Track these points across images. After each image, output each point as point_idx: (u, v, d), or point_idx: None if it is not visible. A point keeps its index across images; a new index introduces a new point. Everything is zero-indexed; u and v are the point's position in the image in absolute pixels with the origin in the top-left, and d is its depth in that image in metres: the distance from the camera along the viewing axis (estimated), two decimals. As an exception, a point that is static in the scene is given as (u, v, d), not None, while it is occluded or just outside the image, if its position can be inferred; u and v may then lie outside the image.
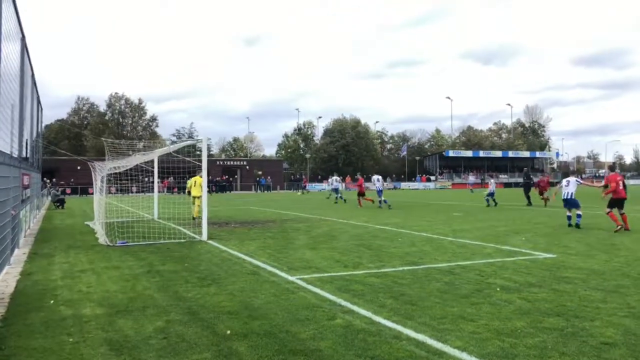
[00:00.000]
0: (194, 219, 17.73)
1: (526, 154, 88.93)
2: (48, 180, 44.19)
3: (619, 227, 13.51)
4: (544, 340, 4.84)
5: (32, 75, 15.65)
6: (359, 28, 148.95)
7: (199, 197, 18.06)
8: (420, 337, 4.97)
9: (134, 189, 32.03)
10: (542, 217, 18.75)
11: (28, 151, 14.22)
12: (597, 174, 67.33)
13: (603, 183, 15.54)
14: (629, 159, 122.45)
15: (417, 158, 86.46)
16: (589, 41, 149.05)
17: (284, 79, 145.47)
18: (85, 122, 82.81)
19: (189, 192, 19.61)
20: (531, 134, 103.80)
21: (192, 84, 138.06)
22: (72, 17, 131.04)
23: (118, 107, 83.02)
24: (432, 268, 8.66)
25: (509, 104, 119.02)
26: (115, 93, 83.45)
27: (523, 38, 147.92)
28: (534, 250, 10.57)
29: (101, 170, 15.91)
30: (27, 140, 13.90)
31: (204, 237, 12.79)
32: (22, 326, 5.53)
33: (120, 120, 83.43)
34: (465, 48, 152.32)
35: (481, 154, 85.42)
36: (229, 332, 5.19)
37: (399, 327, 5.28)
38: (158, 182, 20.95)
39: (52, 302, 6.59)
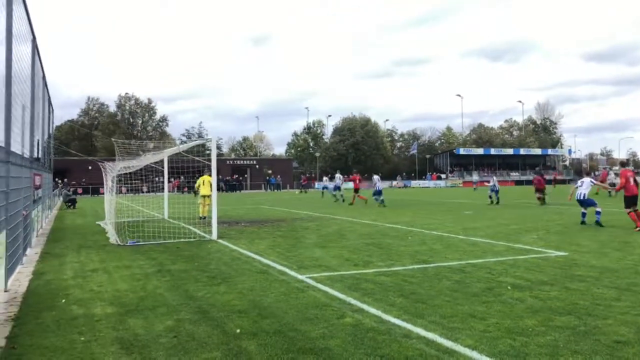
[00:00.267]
0: (201, 218, 17.78)
1: (538, 151, 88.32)
2: (59, 181, 44.61)
3: (639, 228, 13.22)
4: (555, 339, 4.80)
5: (43, 76, 15.78)
6: (367, 27, 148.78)
7: (208, 196, 18.11)
8: (430, 335, 4.94)
9: (145, 188, 32.20)
10: (554, 215, 18.60)
11: (39, 152, 14.34)
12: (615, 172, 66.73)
13: (618, 184, 14.98)
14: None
15: (428, 156, 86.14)
16: (600, 37, 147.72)
17: (293, 79, 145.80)
18: (96, 123, 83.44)
19: (195, 193, 19.64)
20: (543, 131, 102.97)
21: (201, 84, 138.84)
22: (83, 16, 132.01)
23: (128, 108, 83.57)
24: (443, 266, 8.62)
25: (520, 101, 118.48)
26: (126, 93, 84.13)
27: (533, 34, 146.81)
28: (546, 248, 10.48)
29: (112, 171, 16.01)
30: (38, 140, 14.02)
31: (214, 236, 12.82)
32: (34, 325, 5.57)
33: (131, 120, 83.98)
34: (475, 45, 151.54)
35: (492, 151, 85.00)
36: (238, 330, 5.20)
37: (409, 326, 5.25)
38: (171, 181, 21.04)
39: (63, 301, 6.64)
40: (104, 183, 18.94)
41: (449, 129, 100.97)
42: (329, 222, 17.26)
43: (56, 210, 26.91)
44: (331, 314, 5.74)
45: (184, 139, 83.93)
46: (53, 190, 29.38)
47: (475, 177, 56.52)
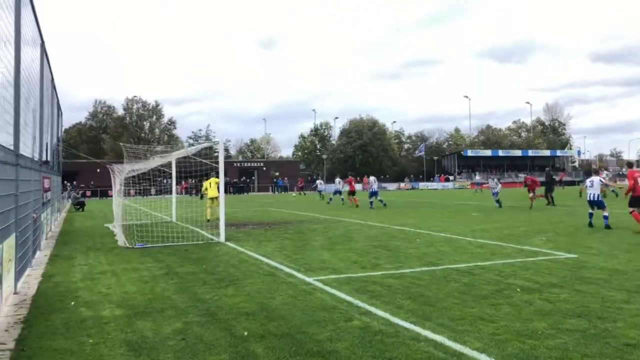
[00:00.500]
0: (208, 220, 17.81)
1: (547, 152, 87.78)
2: (68, 183, 44.92)
3: None
4: (565, 342, 4.76)
5: (52, 79, 15.90)
6: (374, 28, 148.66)
7: (216, 198, 18.14)
8: (438, 338, 4.92)
9: (153, 191, 32.35)
10: (563, 217, 18.49)
11: (48, 155, 14.45)
12: (620, 172, 66.15)
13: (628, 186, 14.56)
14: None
15: (435, 158, 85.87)
16: (609, 37, 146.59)
17: (300, 81, 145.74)
18: (104, 125, 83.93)
19: (202, 196, 19.67)
20: (551, 132, 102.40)
21: (209, 86, 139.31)
22: (91, 20, 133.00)
23: (135, 110, 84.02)
24: (451, 269, 8.58)
25: (528, 102, 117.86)
26: (134, 96, 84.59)
27: (541, 35, 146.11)
28: (555, 250, 10.41)
29: (120, 173, 16.09)
30: (47, 143, 14.12)
31: (222, 238, 12.85)
32: (43, 327, 5.60)
33: (139, 122, 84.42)
34: (482, 46, 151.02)
35: (500, 153, 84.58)
36: (246, 333, 5.20)
37: (417, 329, 5.23)
38: (182, 183, 21.11)
39: (72, 303, 6.67)
40: (113, 186, 19.04)
41: (457, 130, 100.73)
42: (336, 224, 17.24)
43: (65, 213, 27.08)
44: (339, 317, 5.73)
45: (191, 141, 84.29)
46: (62, 193, 29.58)
47: (477, 177, 55.05)
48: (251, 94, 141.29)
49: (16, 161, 7.04)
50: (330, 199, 32.01)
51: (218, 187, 15.48)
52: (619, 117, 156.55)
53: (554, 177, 30.70)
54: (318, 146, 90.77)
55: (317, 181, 46.40)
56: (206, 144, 15.67)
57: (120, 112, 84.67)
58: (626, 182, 15.41)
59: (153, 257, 10.45)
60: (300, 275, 8.21)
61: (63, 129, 41.87)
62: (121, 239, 12.90)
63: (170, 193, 21.56)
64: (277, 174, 64.68)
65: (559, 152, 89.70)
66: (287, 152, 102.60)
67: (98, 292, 7.30)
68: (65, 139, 56.34)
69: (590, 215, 14.87)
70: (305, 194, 51.96)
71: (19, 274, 7.60)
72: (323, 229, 15.70)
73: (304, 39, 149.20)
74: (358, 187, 36.36)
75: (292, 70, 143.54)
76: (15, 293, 7.19)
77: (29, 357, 4.69)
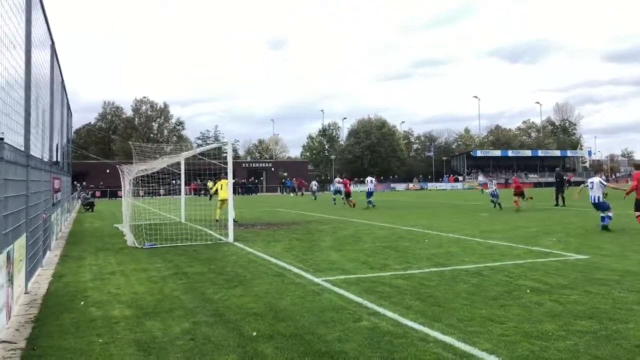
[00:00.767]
0: (216, 221, 17.85)
1: (557, 153, 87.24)
2: (78, 184, 45.19)
3: None
4: (576, 344, 4.71)
5: (62, 81, 16.01)
6: (384, 29, 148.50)
7: (227, 200, 18.17)
8: (447, 339, 4.89)
9: (162, 191, 32.48)
10: (573, 218, 18.34)
11: (58, 155, 14.55)
12: (630, 173, 65.60)
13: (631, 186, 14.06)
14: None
15: (444, 158, 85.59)
16: (620, 37, 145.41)
17: (309, 81, 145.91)
18: (113, 126, 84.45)
19: (211, 197, 19.72)
20: (562, 132, 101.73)
21: (217, 87, 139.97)
22: (98, 20, 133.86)
23: (144, 111, 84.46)
24: (460, 269, 8.54)
25: (538, 102, 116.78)
26: (143, 97, 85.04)
27: (552, 35, 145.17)
28: (565, 252, 10.33)
29: (129, 174, 16.17)
30: (57, 144, 14.22)
31: (230, 239, 12.87)
32: (53, 327, 5.64)
33: (147, 123, 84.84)
34: (492, 46, 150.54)
35: (510, 153, 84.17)
36: (254, 333, 5.20)
37: (425, 329, 5.21)
38: (193, 183, 21.20)
39: (82, 303, 6.71)
40: (122, 186, 19.14)
41: (466, 130, 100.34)
42: (344, 224, 17.22)
43: (75, 213, 27.25)
44: (347, 317, 5.72)
45: (200, 142, 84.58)
46: (72, 194, 29.77)
47: (480, 178, 53.44)
48: (259, 95, 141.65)
49: (27, 162, 7.09)
50: (334, 200, 31.96)
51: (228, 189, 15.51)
52: (631, 117, 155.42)
53: (564, 177, 30.43)
54: (326, 147, 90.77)
55: (312, 182, 47.72)
56: (215, 145, 15.70)
57: (129, 113, 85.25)
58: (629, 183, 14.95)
59: (162, 258, 10.49)
60: (308, 276, 8.20)
61: (73, 130, 42.15)
62: (130, 239, 12.96)
63: (179, 193, 21.64)
64: (285, 174, 64.74)
65: (569, 153, 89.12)
66: (295, 152, 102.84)
67: (107, 292, 7.34)
68: (75, 140, 56.77)
69: (602, 218, 14.38)
70: (303, 194, 51.96)
71: (29, 274, 7.66)
72: (331, 229, 15.69)
73: (313, 39, 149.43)
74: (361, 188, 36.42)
75: (301, 70, 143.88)
76: (26, 293, 7.25)
77: (40, 356, 4.72)
